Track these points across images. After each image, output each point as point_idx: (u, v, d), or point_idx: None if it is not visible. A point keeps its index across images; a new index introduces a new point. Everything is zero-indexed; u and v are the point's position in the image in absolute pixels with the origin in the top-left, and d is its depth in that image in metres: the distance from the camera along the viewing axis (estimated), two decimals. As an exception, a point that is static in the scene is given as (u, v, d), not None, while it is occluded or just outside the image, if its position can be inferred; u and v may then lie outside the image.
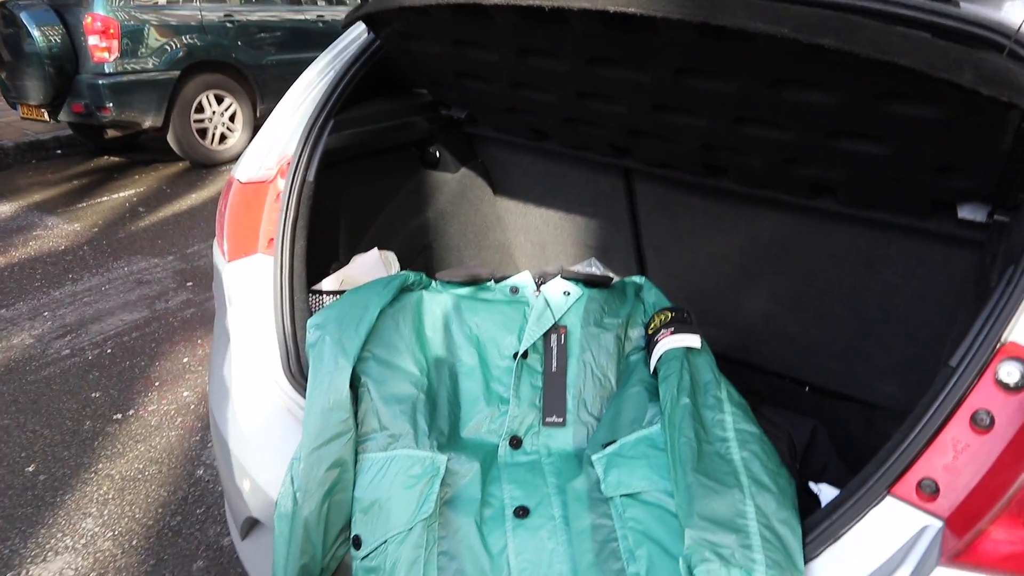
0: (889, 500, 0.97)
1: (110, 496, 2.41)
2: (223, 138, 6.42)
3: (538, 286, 1.42)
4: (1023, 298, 0.97)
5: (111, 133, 7.00)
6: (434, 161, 2.21)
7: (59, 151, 6.81)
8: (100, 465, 2.56)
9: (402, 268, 1.94)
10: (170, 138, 6.07)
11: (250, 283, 1.54)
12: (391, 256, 1.90)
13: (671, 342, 1.28)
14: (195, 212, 5.16)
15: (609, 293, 1.44)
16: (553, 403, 1.30)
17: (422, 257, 2.25)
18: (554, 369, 1.32)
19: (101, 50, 5.56)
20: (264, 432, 1.39)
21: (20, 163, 6.46)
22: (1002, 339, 0.96)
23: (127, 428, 2.77)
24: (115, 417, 2.83)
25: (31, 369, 3.15)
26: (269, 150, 1.64)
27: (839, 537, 0.99)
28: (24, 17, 5.54)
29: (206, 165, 6.29)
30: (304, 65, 1.85)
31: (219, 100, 6.31)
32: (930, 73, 0.99)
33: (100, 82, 5.61)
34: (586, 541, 1.06)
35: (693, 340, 1.29)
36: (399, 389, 1.23)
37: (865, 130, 1.27)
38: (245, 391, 1.46)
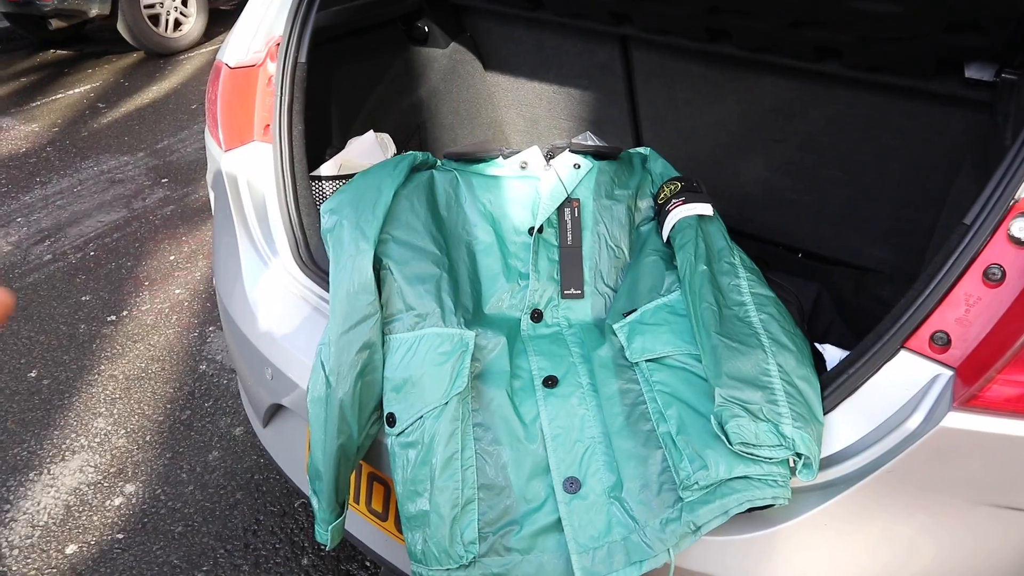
0: (903, 354, 1.01)
1: (117, 395, 2.44)
2: (177, 24, 6.03)
3: (548, 160, 1.41)
4: None
5: (55, 24, 6.54)
6: (423, 37, 2.12)
7: (-2, 47, 6.39)
8: (102, 367, 2.57)
9: (398, 150, 1.90)
10: (120, 26, 5.68)
11: (250, 172, 1.50)
12: (387, 138, 1.86)
13: (684, 211, 1.29)
14: (159, 105, 4.94)
15: (618, 164, 1.44)
16: (570, 276, 1.31)
17: (416, 137, 2.20)
18: (569, 242, 1.33)
19: (36, -71, 5.12)
20: (282, 321, 1.40)
21: (-44, 62, 6.07)
22: (1016, 196, 0.98)
23: (123, 329, 2.76)
24: (109, 319, 2.82)
25: (15, 276, 3.09)
26: (256, 31, 1.55)
27: (855, 390, 1.04)
28: None
29: (162, 55, 5.94)
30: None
31: (169, -18, 5.90)
32: None
33: (38, -34, 5.20)
34: (616, 405, 1.10)
35: (705, 208, 1.30)
36: (422, 269, 1.23)
37: None
38: (257, 282, 1.46)
